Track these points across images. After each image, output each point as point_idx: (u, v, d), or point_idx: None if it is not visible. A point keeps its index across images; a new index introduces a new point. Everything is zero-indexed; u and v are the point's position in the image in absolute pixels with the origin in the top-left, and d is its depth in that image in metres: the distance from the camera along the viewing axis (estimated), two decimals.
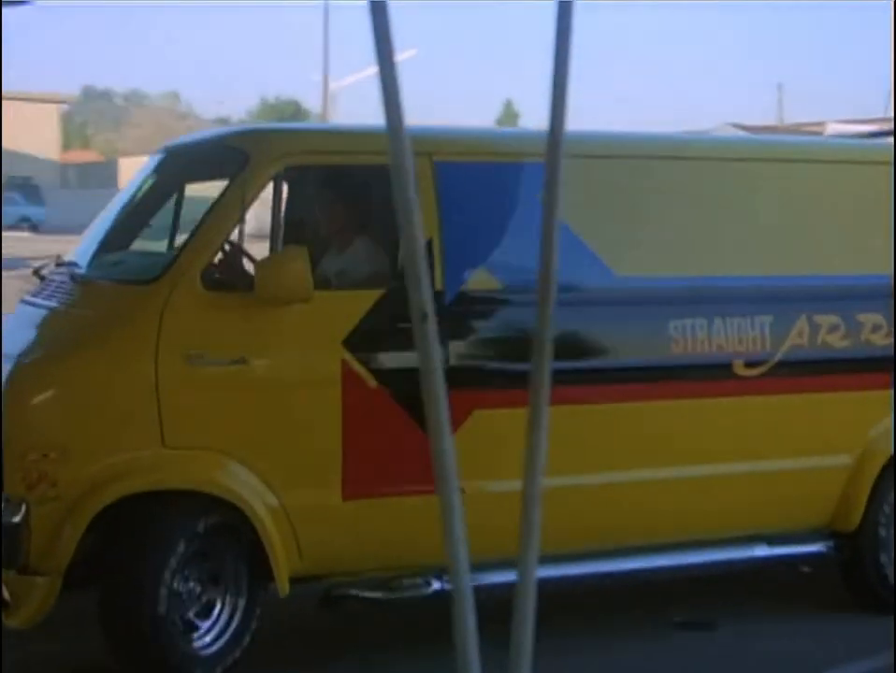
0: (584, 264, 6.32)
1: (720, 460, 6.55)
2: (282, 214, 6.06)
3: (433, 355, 3.16)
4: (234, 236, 6.00)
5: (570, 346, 6.25)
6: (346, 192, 6.39)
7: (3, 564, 5.57)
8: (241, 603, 5.86)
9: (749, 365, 6.60)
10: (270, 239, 6.28)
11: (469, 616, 3.06)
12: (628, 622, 6.84)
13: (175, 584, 5.65)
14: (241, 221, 5.89)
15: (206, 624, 5.81)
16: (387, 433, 5.98)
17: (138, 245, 6.79)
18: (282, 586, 5.78)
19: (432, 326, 3.16)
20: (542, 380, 3.19)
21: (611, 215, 6.54)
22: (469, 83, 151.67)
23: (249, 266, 6.23)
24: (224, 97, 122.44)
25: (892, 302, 6.80)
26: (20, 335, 6.23)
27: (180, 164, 7.05)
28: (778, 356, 6.65)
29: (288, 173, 5.94)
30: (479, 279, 6.19)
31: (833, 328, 6.77)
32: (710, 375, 6.52)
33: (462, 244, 6.16)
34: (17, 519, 5.50)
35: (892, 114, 26.34)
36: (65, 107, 67.84)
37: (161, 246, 6.83)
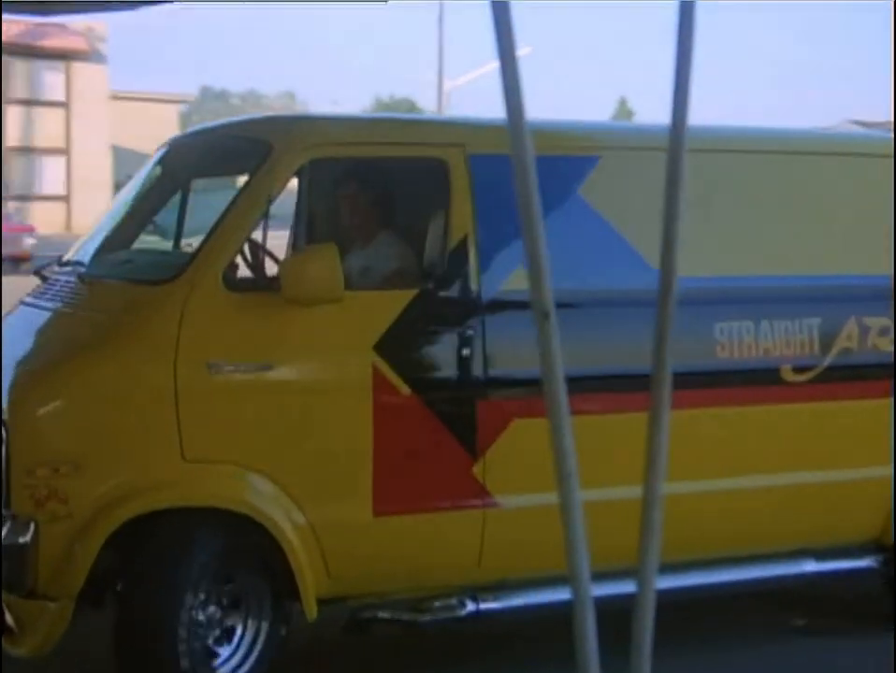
0: (625, 263, 5.94)
1: (765, 471, 6.16)
2: (306, 209, 5.63)
3: (554, 355, 3.10)
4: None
5: (608, 351, 5.88)
6: (375, 186, 5.99)
7: (8, 587, 5.15)
8: (264, 627, 5.46)
9: (797, 370, 6.22)
10: (294, 236, 5.84)
11: (590, 627, 2.97)
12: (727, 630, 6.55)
13: (195, 608, 5.24)
14: (265, 216, 5.46)
15: (227, 651, 5.41)
16: (421, 444, 5.58)
17: (157, 243, 6.37)
18: (310, 609, 5.37)
19: (554, 325, 3.13)
20: (662, 380, 3.16)
21: (653, 211, 6.13)
22: (582, 81, 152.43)
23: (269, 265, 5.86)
24: (339, 96, 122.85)
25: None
26: (23, 339, 5.80)
27: (191, 158, 6.64)
28: (827, 361, 6.27)
29: (313, 165, 5.51)
30: (517, 280, 5.79)
31: (884, 331, 6.39)
32: (756, 381, 6.12)
33: (499, 242, 5.77)
34: (24, 539, 5.07)
35: None
36: (183, 107, 67.12)
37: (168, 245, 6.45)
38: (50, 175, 42.54)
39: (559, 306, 5.76)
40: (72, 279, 5.89)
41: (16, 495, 5.08)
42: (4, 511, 5.12)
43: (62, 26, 43.43)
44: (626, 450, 4.97)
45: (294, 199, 5.73)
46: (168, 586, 5.19)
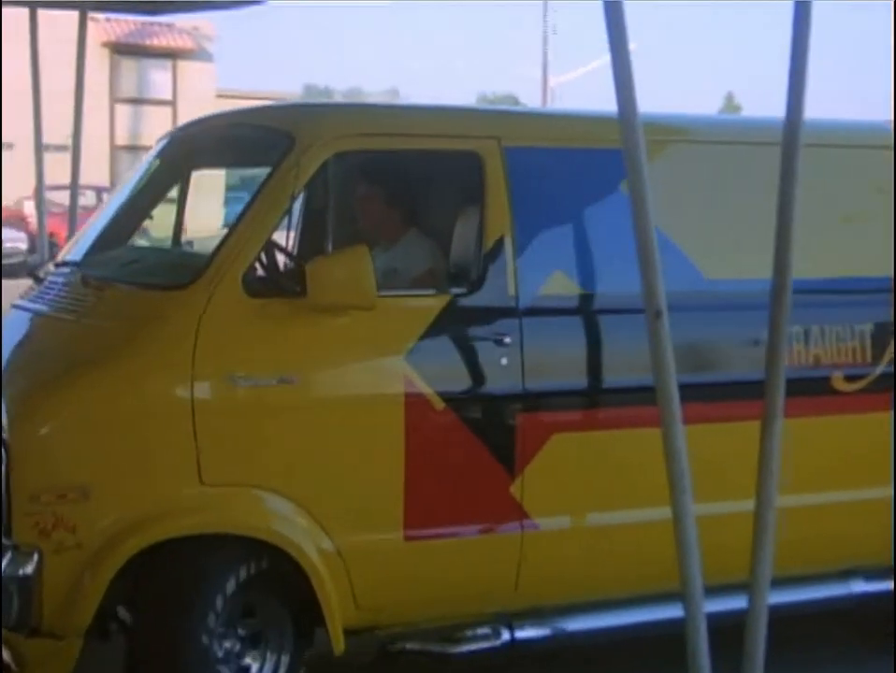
0: (671, 266, 5.49)
1: (815, 486, 5.74)
2: (329, 206, 5.14)
3: (667, 354, 3.33)
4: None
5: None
6: (404, 181, 5.53)
7: (8, 624, 4.66)
8: (285, 661, 5.03)
9: (849, 379, 5.83)
10: (314, 237, 5.35)
11: (702, 643, 3.28)
12: None
13: (212, 643, 4.79)
14: (288, 214, 4.99)
15: None
16: (455, 462, 5.15)
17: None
18: (337, 641, 4.93)
19: (665, 325, 3.38)
20: (777, 386, 3.37)
21: (698, 210, 5.72)
22: (689, 77, 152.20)
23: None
24: (442, 93, 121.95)
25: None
26: (20, 348, 5.31)
27: (196, 148, 6.14)
28: (879, 369, 5.89)
29: (338, 159, 5.05)
30: (556, 285, 5.37)
31: None
32: (806, 390, 5.64)
33: (537, 243, 5.34)
34: (27, 571, 4.58)
35: None
36: None
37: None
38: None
39: (605, 311, 5.41)
40: (72, 280, 5.40)
41: (18, 524, 4.59)
42: (4, 541, 4.63)
43: (169, 25, 43.47)
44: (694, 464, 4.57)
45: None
46: (184, 620, 4.74)
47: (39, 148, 8.60)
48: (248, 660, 4.98)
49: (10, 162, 41.50)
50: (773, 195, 5.77)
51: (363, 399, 5.01)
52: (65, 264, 5.69)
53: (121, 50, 44.08)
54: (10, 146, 41.83)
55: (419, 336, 5.06)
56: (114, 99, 43.40)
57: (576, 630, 5.44)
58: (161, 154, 6.14)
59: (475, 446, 5.15)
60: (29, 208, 33.10)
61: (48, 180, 8.82)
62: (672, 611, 5.50)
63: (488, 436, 5.19)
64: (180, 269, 5.19)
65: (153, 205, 6.27)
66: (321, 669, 5.17)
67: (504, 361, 5.19)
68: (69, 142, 8.68)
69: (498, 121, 5.56)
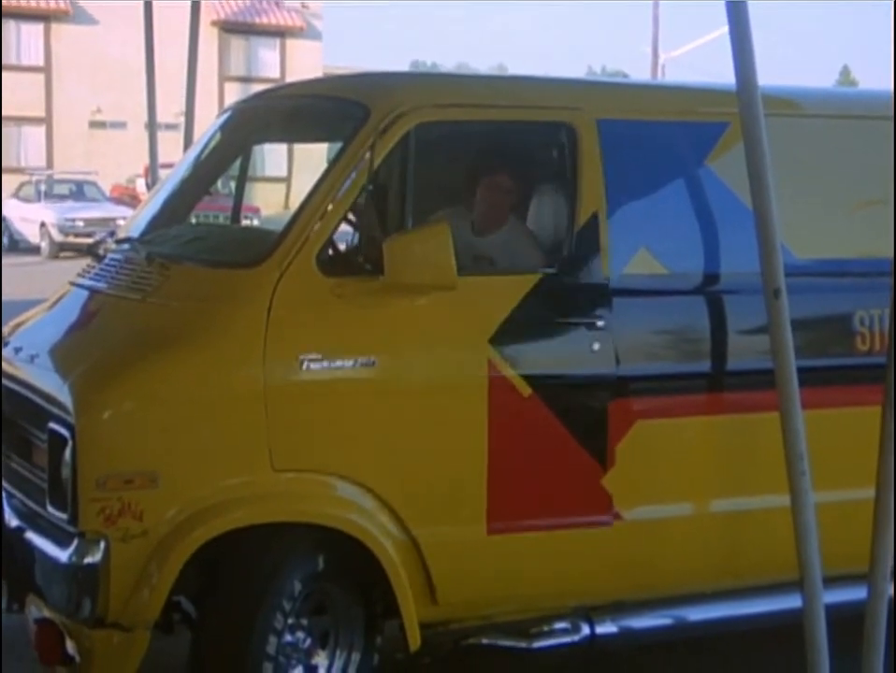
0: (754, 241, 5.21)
1: None
2: (410, 182, 4.91)
3: (785, 334, 3.26)
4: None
5: (746, 344, 5.18)
6: (487, 154, 5.28)
7: (72, 614, 4.51)
8: (355, 658, 4.84)
9: None
10: (393, 214, 5.11)
11: (821, 634, 3.10)
12: None
13: (282, 638, 4.61)
14: (365, 190, 4.77)
15: None
16: (543, 452, 4.91)
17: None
18: (413, 636, 4.72)
19: (784, 304, 3.27)
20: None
21: (791, 185, 5.41)
22: (805, 50, 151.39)
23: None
24: (553, 70, 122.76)
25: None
26: (80, 328, 5.14)
27: (262, 122, 5.94)
28: None
29: (418, 131, 4.81)
30: (640, 264, 5.11)
31: None
32: None
33: (627, 220, 5.09)
34: (93, 560, 4.40)
35: None
36: None
37: None
38: (271, 155, 42.57)
39: (682, 292, 5.11)
40: (135, 257, 5.19)
41: (84, 511, 4.40)
42: (70, 528, 4.48)
43: (277, 3, 44.56)
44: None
45: None
46: (251, 614, 4.55)
47: (153, 126, 8.52)
48: (316, 659, 4.80)
49: (122, 140, 42.20)
50: (874, 170, 5.50)
51: (443, 384, 4.78)
52: (125, 240, 5.50)
53: (230, 28, 44.60)
54: (122, 124, 42.39)
55: (504, 318, 4.82)
56: (223, 77, 43.79)
57: (658, 626, 5.24)
58: (223, 127, 5.93)
59: (564, 435, 4.91)
60: (141, 186, 33.46)
61: (160, 159, 8.76)
62: (765, 605, 5.30)
63: (578, 424, 4.95)
64: (250, 247, 4.99)
65: (213, 180, 6.10)
66: (393, 664, 4.98)
67: (597, 346, 4.94)
68: (179, 120, 8.58)
69: (590, 92, 5.30)
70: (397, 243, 4.63)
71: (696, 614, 5.26)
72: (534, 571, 4.97)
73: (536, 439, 4.88)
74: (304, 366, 4.58)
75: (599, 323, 4.95)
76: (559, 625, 5.05)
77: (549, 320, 4.91)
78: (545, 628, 5.03)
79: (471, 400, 4.77)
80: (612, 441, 4.97)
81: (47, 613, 4.66)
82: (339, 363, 4.62)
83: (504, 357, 4.80)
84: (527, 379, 4.83)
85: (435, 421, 4.76)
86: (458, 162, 5.37)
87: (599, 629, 5.07)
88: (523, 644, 5.01)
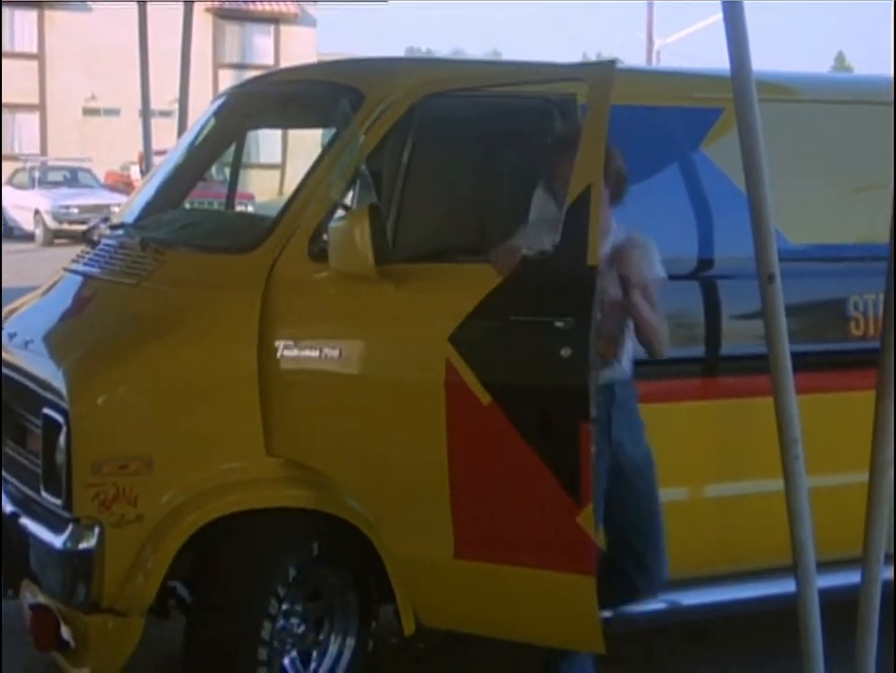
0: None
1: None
2: (405, 165, 4.88)
3: (779, 319, 3.17)
4: None
5: (740, 329, 5.18)
6: (483, 139, 5.27)
7: (67, 600, 4.51)
8: (350, 643, 4.84)
9: None
10: (386, 200, 5.07)
11: (815, 617, 3.12)
12: None
13: (277, 623, 4.61)
14: (359, 175, 4.75)
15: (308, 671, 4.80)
16: (505, 471, 4.42)
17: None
18: (408, 622, 4.69)
19: (778, 289, 3.18)
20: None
21: (785, 170, 5.40)
22: (800, 36, 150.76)
23: None
24: (546, 55, 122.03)
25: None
26: (74, 314, 5.14)
27: (254, 107, 5.91)
28: None
29: (413, 116, 4.79)
30: None
31: None
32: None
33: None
34: (88, 545, 4.39)
35: None
36: None
37: None
38: (265, 142, 42.55)
39: (676, 277, 5.08)
40: (129, 243, 5.18)
41: (79, 496, 4.40)
42: (64, 514, 4.47)
43: None
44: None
45: None
46: (248, 599, 4.55)
47: (147, 113, 8.50)
48: (311, 644, 4.80)
49: (116, 127, 42.12)
50: (870, 155, 5.49)
51: (402, 382, 4.49)
52: (119, 226, 5.48)
53: (224, 14, 44.50)
54: (116, 111, 42.34)
55: (468, 312, 4.33)
56: (217, 64, 43.69)
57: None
58: (217, 113, 5.91)
59: (527, 453, 4.82)
60: (135, 173, 33.40)
61: (154, 146, 8.75)
62: (759, 589, 5.32)
63: (544, 443, 4.86)
64: (244, 232, 4.98)
65: (207, 166, 6.09)
66: (388, 649, 4.98)
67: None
68: (173, 107, 8.56)
69: (575, 77, 5.29)
70: (333, 230, 4.48)
71: (690, 599, 5.27)
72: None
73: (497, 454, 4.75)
74: (297, 352, 4.55)
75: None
76: None
77: (513, 316, 4.37)
78: None
79: (428, 404, 4.42)
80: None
81: (42, 599, 4.67)
82: (328, 350, 4.54)
83: (464, 358, 4.33)
84: (487, 385, 4.41)
85: (396, 417, 4.52)
86: (452, 145, 5.35)
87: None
88: None
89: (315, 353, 4.55)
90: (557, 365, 4.19)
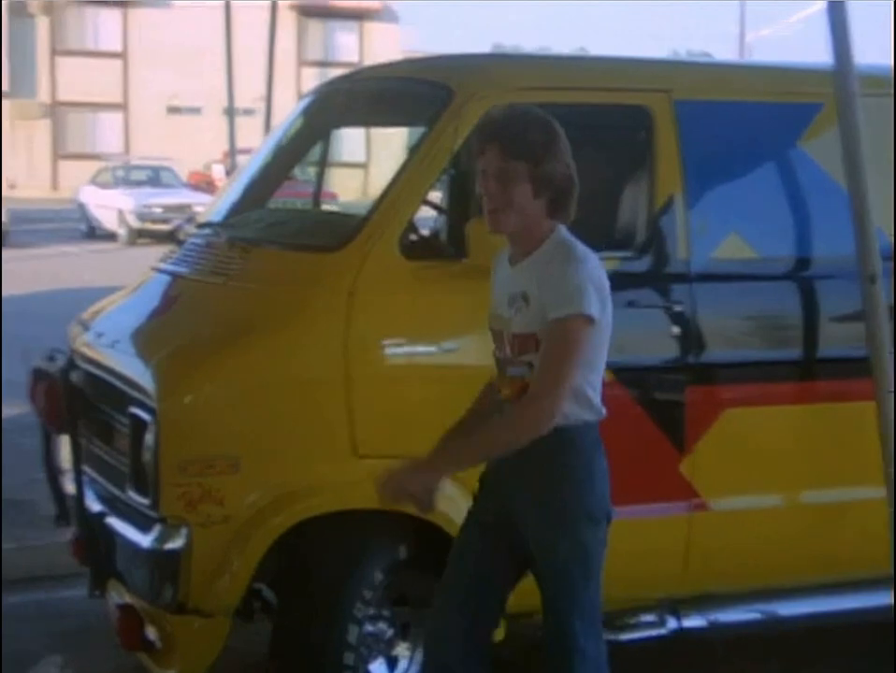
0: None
1: None
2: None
3: (881, 320, 3.33)
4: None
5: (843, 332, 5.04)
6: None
7: (153, 600, 4.48)
8: None
9: None
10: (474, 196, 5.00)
11: None
12: None
13: (363, 628, 4.54)
14: (446, 172, 4.69)
15: None
16: (623, 438, 4.61)
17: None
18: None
19: (880, 289, 3.35)
20: None
21: (886, 167, 5.25)
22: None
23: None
24: (635, 51, 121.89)
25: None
26: (162, 313, 5.11)
27: (343, 105, 5.86)
28: None
29: None
30: (731, 248, 4.99)
31: None
32: None
33: (710, 204, 4.97)
34: (175, 545, 4.36)
35: None
36: None
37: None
38: (346, 141, 42.64)
39: (769, 278, 4.97)
40: (216, 242, 5.16)
41: (165, 495, 4.37)
42: (151, 513, 4.45)
43: None
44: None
45: None
46: (334, 603, 4.49)
47: (232, 112, 8.48)
48: (398, 650, 4.74)
49: (197, 125, 42.40)
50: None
51: None
52: (206, 225, 5.47)
53: (308, 12, 44.45)
54: (197, 110, 42.60)
55: None
56: (301, 62, 43.67)
57: (749, 620, 5.13)
58: (304, 112, 5.88)
59: (645, 421, 4.81)
60: (218, 172, 33.55)
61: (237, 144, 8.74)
62: (857, 600, 5.17)
63: (659, 410, 4.85)
64: (332, 230, 4.93)
65: (293, 165, 6.06)
66: None
67: (676, 330, 4.84)
68: (255, 106, 8.58)
69: (667, 72, 5.19)
70: (480, 224, 4.52)
71: (786, 609, 5.15)
72: (614, 559, 4.84)
73: (616, 424, 4.73)
74: (387, 351, 4.51)
75: (677, 308, 4.84)
76: (644, 618, 4.96)
77: (626, 304, 4.71)
78: (630, 621, 4.94)
79: None
80: (690, 428, 4.87)
81: (128, 599, 4.65)
82: (421, 348, 4.55)
83: None
84: (607, 364, 4.68)
85: None
86: None
87: (686, 622, 4.98)
88: (609, 636, 4.90)
89: (413, 350, 4.54)
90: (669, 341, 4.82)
